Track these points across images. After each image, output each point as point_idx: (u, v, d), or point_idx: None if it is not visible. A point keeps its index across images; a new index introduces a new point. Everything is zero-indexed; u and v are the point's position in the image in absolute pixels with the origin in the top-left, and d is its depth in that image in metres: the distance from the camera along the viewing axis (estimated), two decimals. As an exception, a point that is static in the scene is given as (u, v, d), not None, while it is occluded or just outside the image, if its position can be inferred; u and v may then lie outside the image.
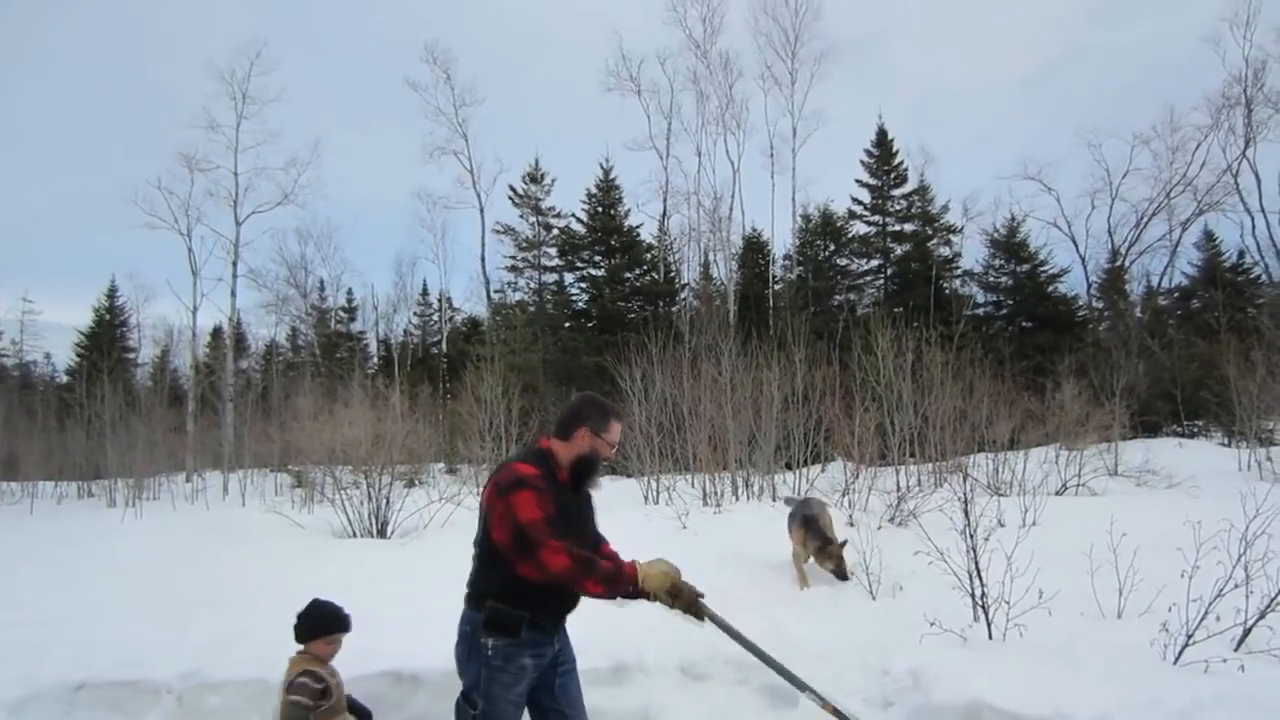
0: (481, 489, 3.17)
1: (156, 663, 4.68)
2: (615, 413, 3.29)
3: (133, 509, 15.25)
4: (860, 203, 33.74)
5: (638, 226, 32.90)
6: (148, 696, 4.50)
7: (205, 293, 31.48)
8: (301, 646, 4.03)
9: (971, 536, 5.34)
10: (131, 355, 40.46)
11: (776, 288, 32.55)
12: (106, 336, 37.20)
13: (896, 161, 33.52)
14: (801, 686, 3.34)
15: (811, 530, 6.70)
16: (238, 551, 9.14)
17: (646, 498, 13.06)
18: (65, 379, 36.59)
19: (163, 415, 22.59)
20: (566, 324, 31.20)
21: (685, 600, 3.05)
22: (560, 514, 2.97)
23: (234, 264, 31.38)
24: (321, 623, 3.99)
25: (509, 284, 34.63)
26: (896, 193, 33.51)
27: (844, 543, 6.63)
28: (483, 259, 34.82)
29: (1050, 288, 31.36)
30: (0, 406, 23.05)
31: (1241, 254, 31.62)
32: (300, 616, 4.02)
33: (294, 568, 8.16)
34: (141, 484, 18.40)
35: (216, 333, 37.37)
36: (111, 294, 39.84)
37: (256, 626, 5.50)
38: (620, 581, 2.92)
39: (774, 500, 11.83)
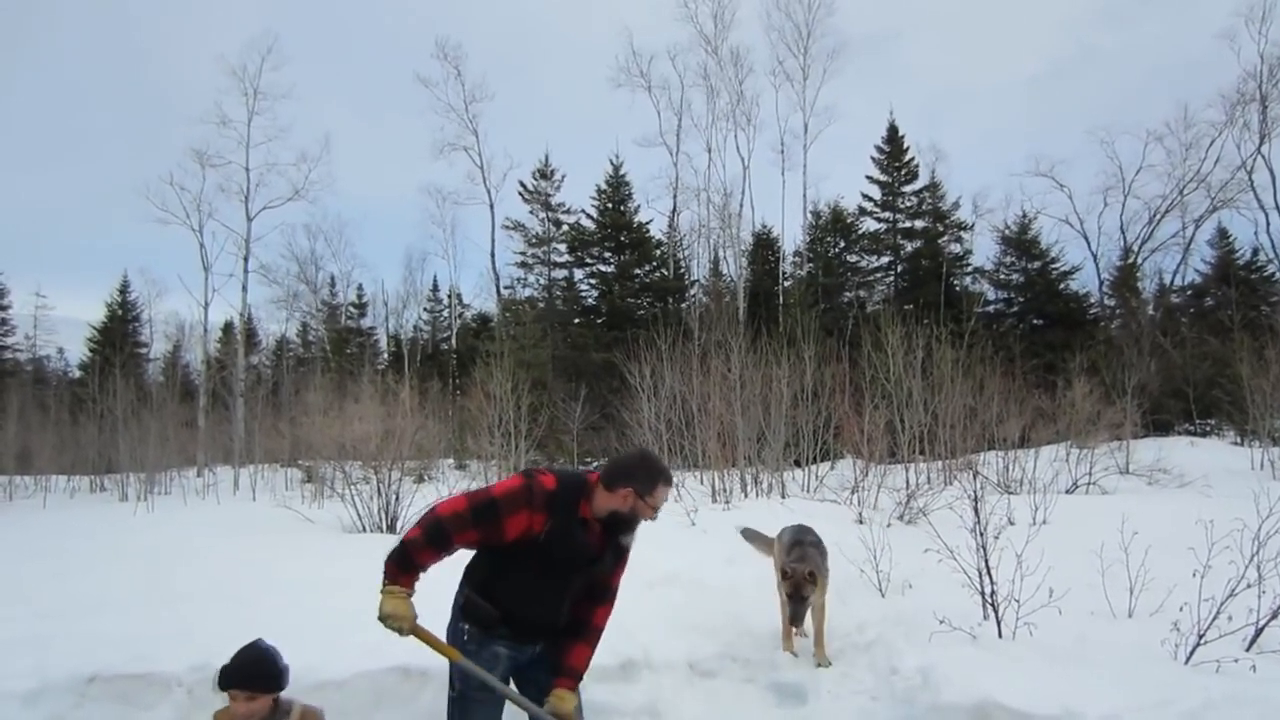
0: None
1: (167, 656, 4.71)
2: (666, 477, 3.19)
3: (144, 503, 15.33)
4: (871, 199, 33.60)
5: (647, 223, 32.85)
6: (158, 689, 4.52)
7: (217, 288, 31.58)
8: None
9: (981, 535, 5.32)
10: (143, 350, 40.62)
11: (786, 284, 32.45)
12: (119, 331, 37.33)
13: (907, 158, 33.33)
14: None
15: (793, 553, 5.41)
16: (248, 546, 9.18)
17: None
18: (78, 373, 36.71)
19: (174, 410, 22.74)
20: (576, 320, 31.16)
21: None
22: (549, 552, 2.96)
23: (245, 259, 31.50)
24: (239, 672, 3.15)
25: (519, 280, 34.62)
26: (907, 189, 33.34)
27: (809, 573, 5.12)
28: (492, 255, 34.89)
29: (1062, 285, 31.14)
30: (13, 401, 23.19)
31: (1255, 251, 31.34)
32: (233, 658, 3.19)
33: (304, 562, 8.20)
34: (153, 478, 18.50)
35: (228, 328, 37.52)
36: (124, 289, 40.02)
37: (266, 620, 5.51)
38: (391, 566, 2.96)
39: (783, 498, 11.83)
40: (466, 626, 2.97)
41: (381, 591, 2.92)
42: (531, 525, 2.90)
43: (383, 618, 2.94)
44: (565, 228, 33.74)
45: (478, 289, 52.79)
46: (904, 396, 13.90)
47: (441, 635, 3.07)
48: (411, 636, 2.99)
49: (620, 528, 3.11)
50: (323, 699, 4.45)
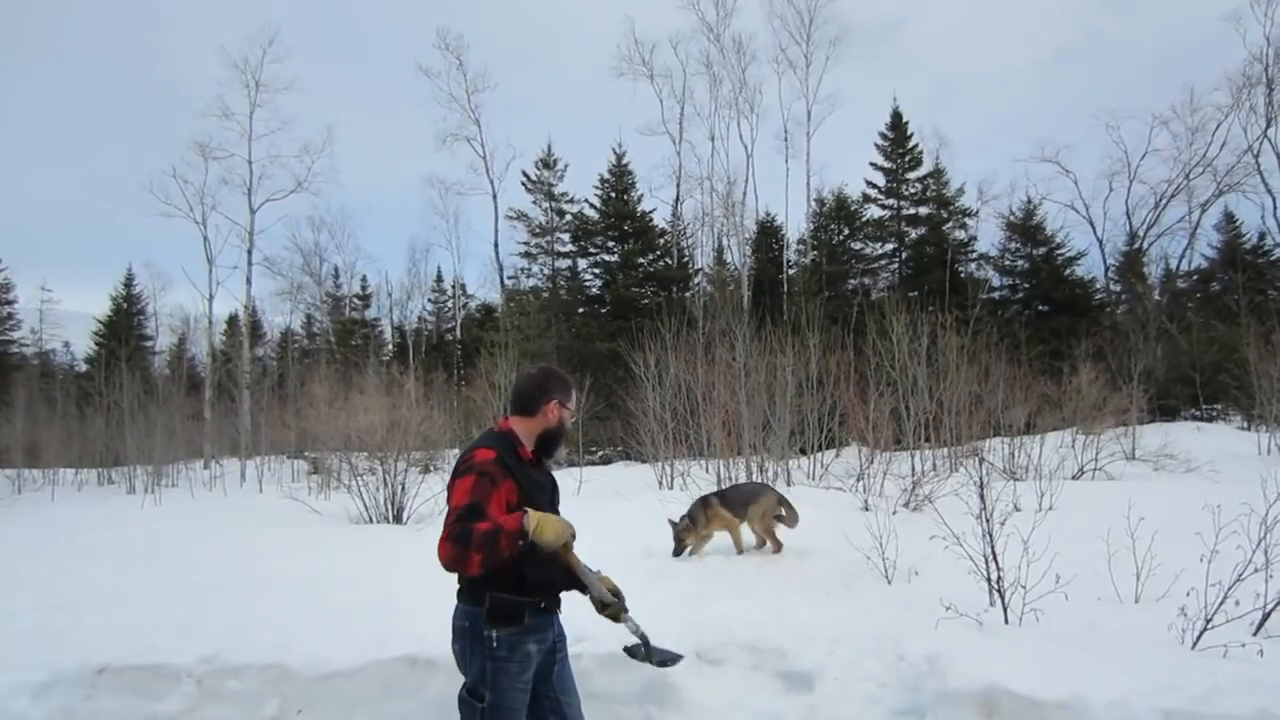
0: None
1: (176, 647, 4.73)
2: (574, 382, 3.33)
3: (152, 495, 15.44)
4: (875, 186, 33.47)
5: (651, 212, 32.78)
6: (168, 680, 4.55)
7: (221, 281, 31.79)
8: None
9: (988, 521, 5.31)
10: (149, 343, 40.80)
11: (790, 272, 32.41)
12: (124, 325, 37.47)
13: (911, 145, 33.18)
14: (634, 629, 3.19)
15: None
16: (255, 537, 9.22)
17: (661, 483, 13.09)
18: (84, 367, 36.90)
19: (180, 403, 22.85)
20: (580, 310, 31.13)
21: (614, 610, 3.05)
22: (519, 494, 2.94)
23: (249, 252, 31.62)
24: None
25: (522, 270, 34.63)
26: (911, 176, 33.19)
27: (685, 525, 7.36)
28: (496, 245, 34.90)
29: (1067, 271, 31.02)
30: (21, 395, 23.30)
31: (1262, 236, 31.17)
32: None
33: (311, 553, 8.24)
34: (160, 471, 18.61)
35: (232, 320, 37.64)
36: (128, 283, 40.12)
37: (275, 611, 5.55)
38: (501, 537, 2.74)
39: (788, 486, 11.82)
40: (494, 633, 2.93)
41: (539, 533, 2.78)
42: (509, 498, 2.92)
43: (554, 538, 2.82)
44: (568, 217, 33.69)
45: (482, 279, 52.90)
46: (909, 384, 13.89)
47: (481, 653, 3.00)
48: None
49: (553, 446, 3.19)
50: (331, 689, 4.49)
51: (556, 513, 3.13)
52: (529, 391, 3.16)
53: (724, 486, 8.17)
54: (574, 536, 2.94)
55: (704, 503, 7.55)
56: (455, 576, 3.04)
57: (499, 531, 2.75)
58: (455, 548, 2.73)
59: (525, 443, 3.12)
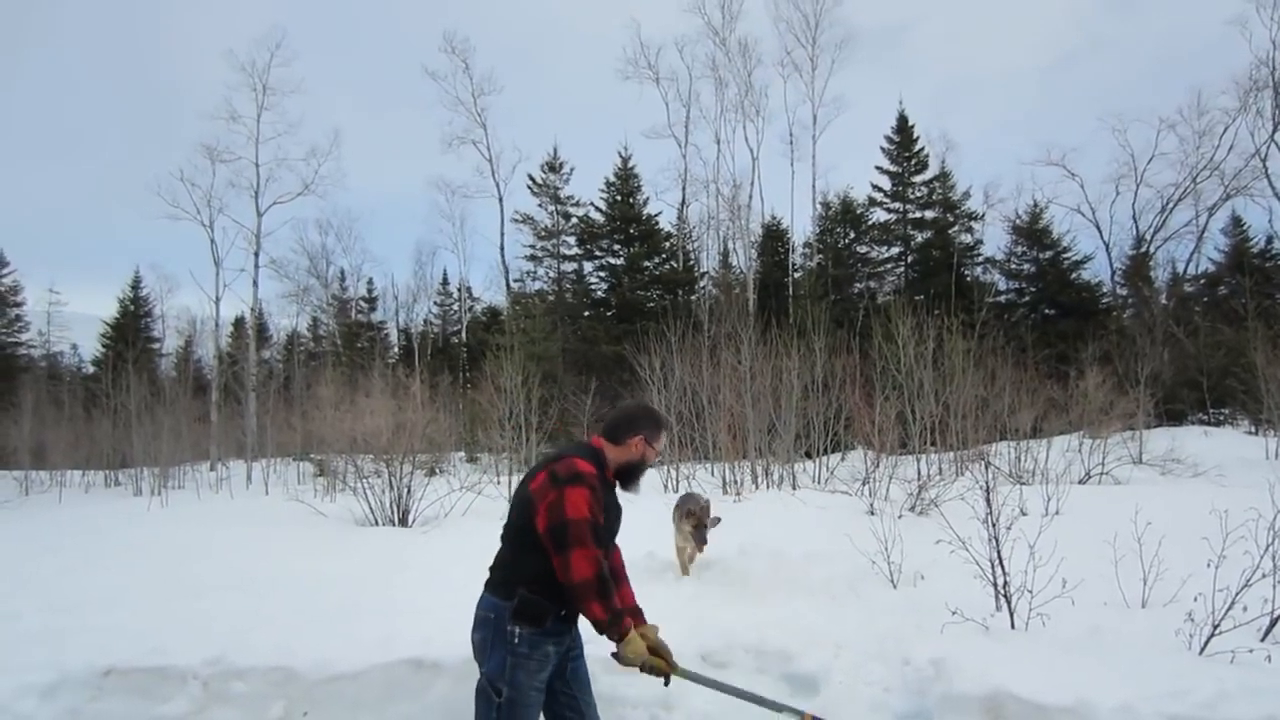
0: (524, 475, 3.22)
1: (182, 649, 4.74)
2: (667, 424, 3.48)
3: (158, 497, 15.47)
4: (880, 190, 33.49)
5: (656, 215, 32.81)
6: (174, 682, 4.55)
7: (228, 283, 31.87)
8: None
9: (994, 525, 5.30)
10: (156, 345, 40.88)
11: (796, 276, 32.40)
12: (131, 327, 37.57)
13: (917, 148, 33.18)
14: (779, 708, 3.48)
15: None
16: (261, 539, 9.23)
17: (666, 486, 13.07)
18: (91, 369, 37.00)
19: (187, 405, 22.92)
20: (586, 313, 31.17)
21: (648, 669, 3.20)
22: (604, 518, 3.08)
23: (256, 254, 31.69)
24: None
25: (528, 273, 34.71)
26: (917, 179, 33.20)
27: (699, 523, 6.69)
28: (502, 248, 34.93)
29: (1073, 274, 30.97)
30: (28, 397, 23.36)
31: (1269, 239, 31.15)
32: None
33: (317, 555, 8.24)
34: (166, 472, 18.63)
35: (239, 323, 37.77)
36: (136, 285, 40.26)
37: (280, 613, 5.56)
38: (615, 628, 3.00)
39: (794, 490, 11.81)
40: (517, 630, 2.97)
41: (626, 644, 3.06)
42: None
43: (644, 666, 3.14)
44: (574, 220, 33.74)
45: (488, 282, 53.12)
46: (915, 387, 13.87)
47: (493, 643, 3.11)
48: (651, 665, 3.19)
49: (631, 479, 3.29)
50: (336, 691, 4.50)
51: (614, 536, 3.31)
52: (620, 422, 3.30)
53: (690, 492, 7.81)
54: (662, 663, 3.21)
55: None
56: (485, 567, 3.17)
57: (618, 621, 3.00)
58: (596, 585, 2.94)
59: (612, 465, 3.25)
